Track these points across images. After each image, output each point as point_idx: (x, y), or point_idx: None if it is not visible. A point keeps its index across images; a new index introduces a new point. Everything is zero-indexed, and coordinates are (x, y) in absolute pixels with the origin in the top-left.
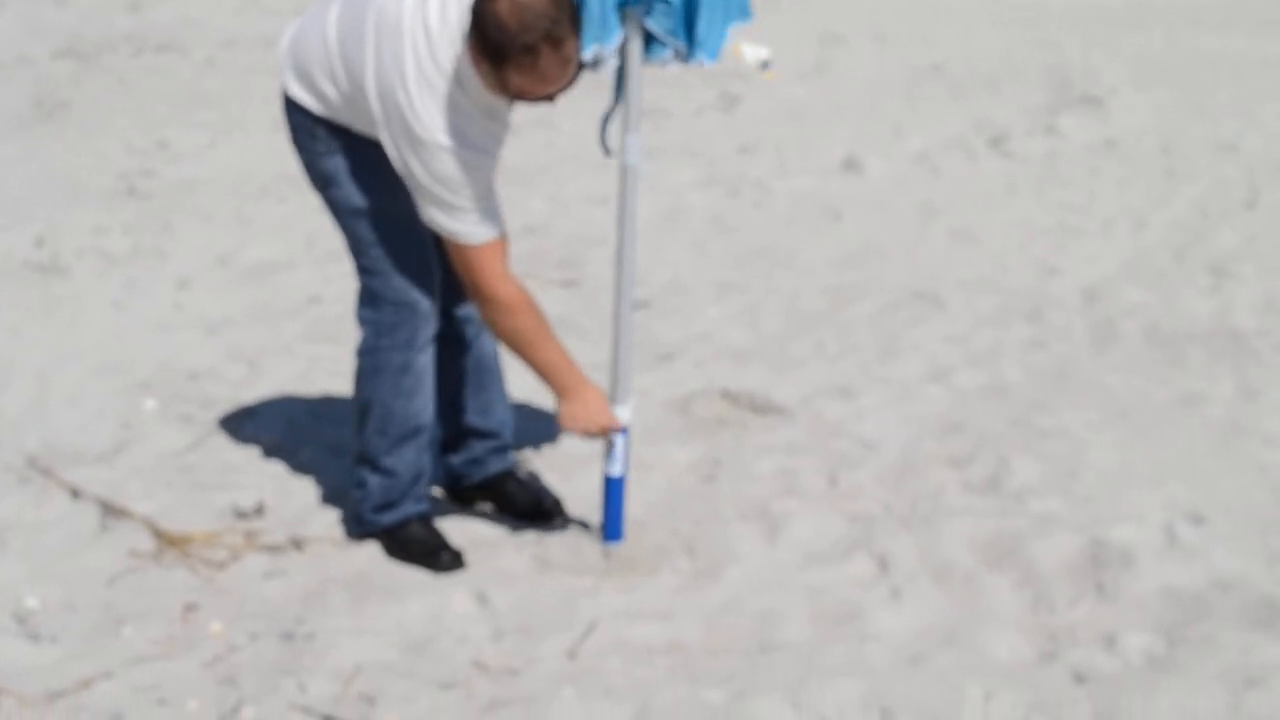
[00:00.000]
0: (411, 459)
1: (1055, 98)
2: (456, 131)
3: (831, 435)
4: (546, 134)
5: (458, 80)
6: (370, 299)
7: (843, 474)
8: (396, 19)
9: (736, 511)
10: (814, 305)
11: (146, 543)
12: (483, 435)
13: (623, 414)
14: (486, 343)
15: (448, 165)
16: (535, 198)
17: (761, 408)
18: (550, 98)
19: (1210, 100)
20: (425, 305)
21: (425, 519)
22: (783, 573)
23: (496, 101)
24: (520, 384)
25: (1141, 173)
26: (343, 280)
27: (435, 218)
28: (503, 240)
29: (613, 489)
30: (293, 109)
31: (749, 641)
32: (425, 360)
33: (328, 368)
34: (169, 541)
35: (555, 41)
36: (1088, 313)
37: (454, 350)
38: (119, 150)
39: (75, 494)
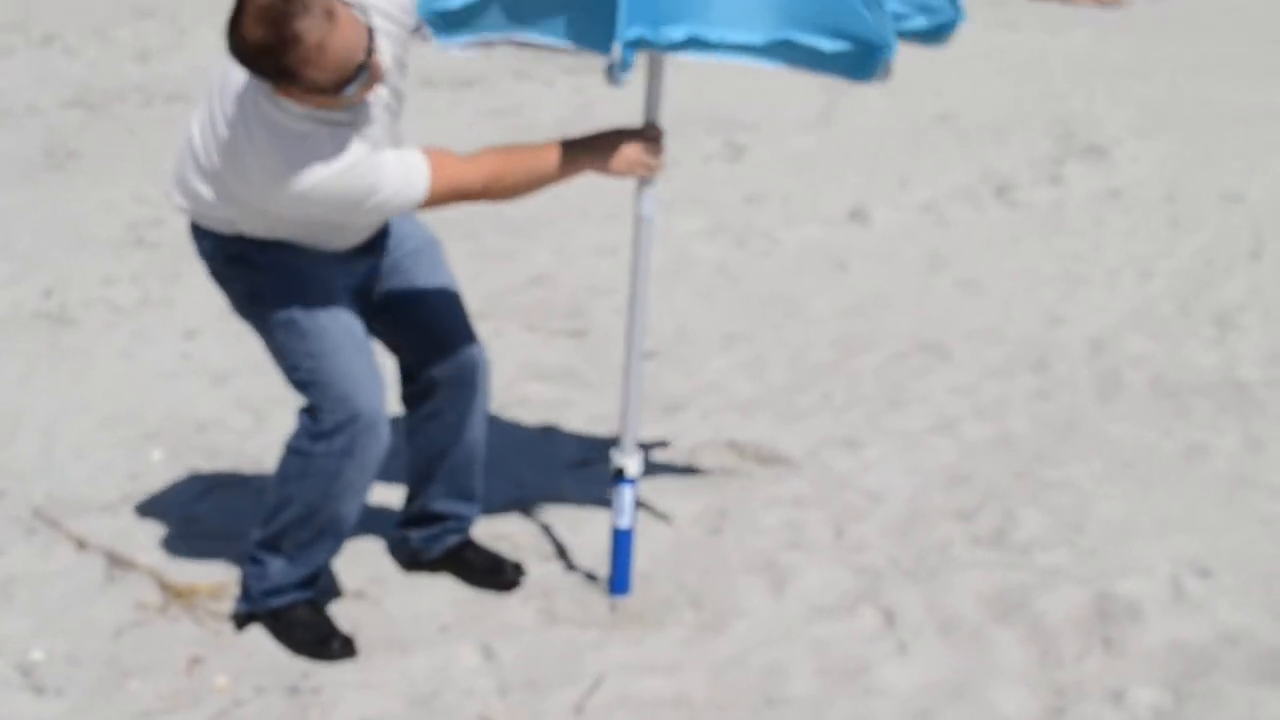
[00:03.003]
0: (322, 556)
1: (1061, 147)
2: (313, 164)
3: (838, 487)
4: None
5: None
6: (309, 410)
7: (849, 526)
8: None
9: (743, 564)
10: (821, 356)
11: (153, 594)
12: (448, 519)
13: (630, 466)
14: (474, 431)
15: (334, 194)
16: (542, 249)
17: (768, 459)
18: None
19: (1215, 150)
20: (368, 415)
21: (313, 604)
22: (789, 626)
23: (335, 114)
24: (527, 430)
25: (1146, 222)
26: None
27: (389, 206)
28: (433, 153)
29: (620, 541)
30: (199, 236)
31: (755, 695)
32: (358, 469)
33: None
34: (175, 593)
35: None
36: (1093, 363)
37: (438, 435)
38: (128, 200)
39: (81, 545)
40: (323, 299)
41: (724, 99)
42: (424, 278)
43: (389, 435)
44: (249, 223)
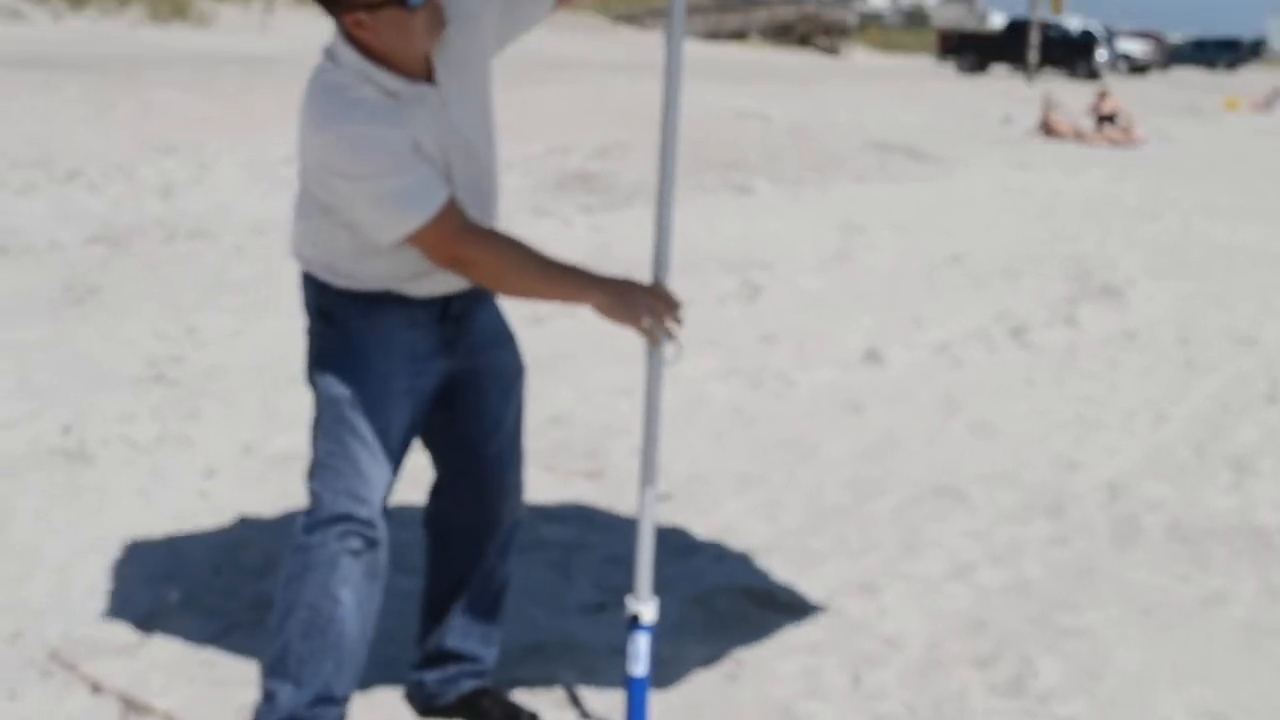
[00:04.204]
0: (328, 675)
1: (1075, 288)
2: (346, 113)
3: (854, 633)
4: (570, 322)
5: (355, 80)
6: (310, 500)
7: (866, 673)
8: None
9: (759, 712)
10: (835, 499)
11: None
12: (464, 659)
13: (645, 612)
14: (494, 569)
15: (352, 150)
16: (560, 387)
17: (783, 605)
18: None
19: (1228, 291)
20: (364, 518)
21: None
22: None
23: (392, 80)
24: (542, 572)
25: (1161, 364)
26: None
27: (387, 204)
28: (444, 211)
29: (635, 689)
30: (304, 284)
31: None
32: (359, 568)
33: None
34: None
35: None
36: (1109, 508)
37: (457, 568)
38: (148, 336)
39: (97, 688)
40: (379, 395)
41: (739, 238)
42: (492, 405)
43: (385, 553)
44: (316, 241)
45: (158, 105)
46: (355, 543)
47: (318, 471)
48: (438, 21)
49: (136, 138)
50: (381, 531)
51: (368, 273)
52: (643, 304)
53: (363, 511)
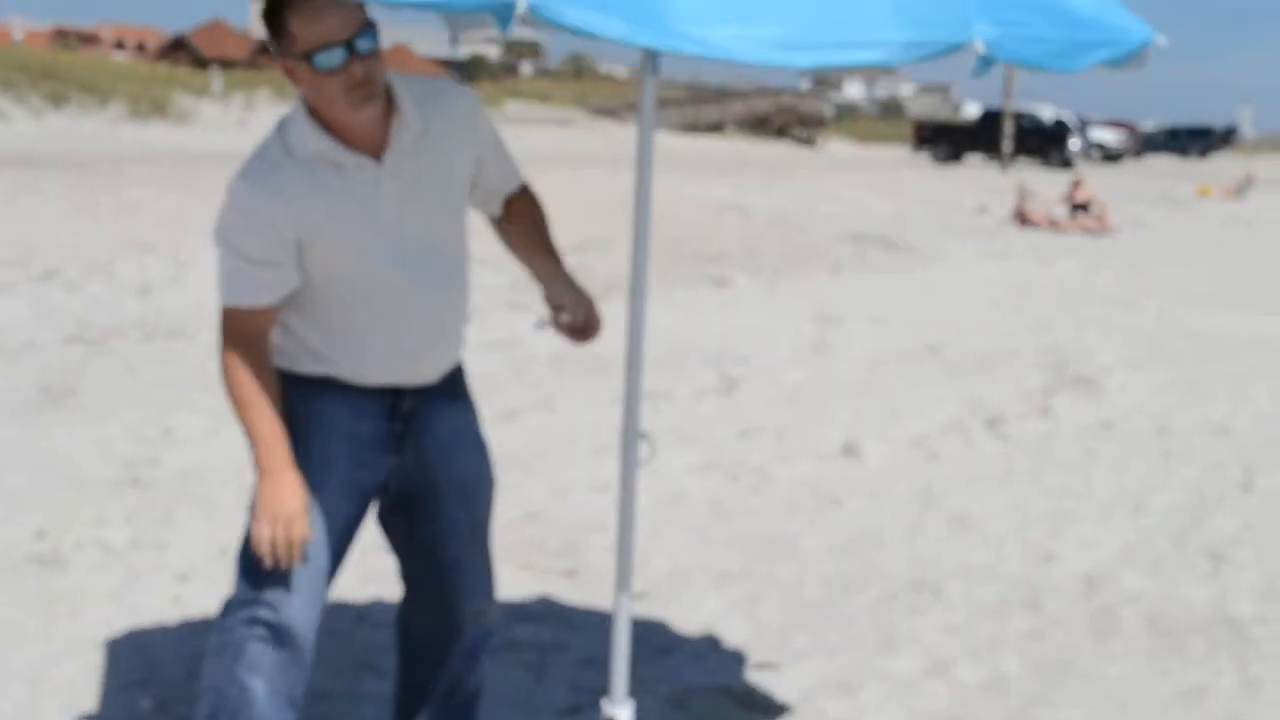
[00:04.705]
0: None
1: (1050, 378)
2: (247, 167)
3: None
4: (546, 418)
5: (279, 138)
6: (234, 581)
7: None
8: None
9: None
10: (814, 595)
11: None
12: None
13: (620, 716)
14: (468, 679)
15: (231, 203)
16: (535, 484)
17: (761, 705)
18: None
19: (1203, 379)
20: (273, 598)
21: None
22: None
23: (321, 141)
24: (517, 675)
25: (1137, 455)
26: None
27: (220, 271)
28: (245, 312)
29: None
30: None
31: None
32: (271, 656)
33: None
34: None
35: None
36: (1087, 601)
37: (426, 675)
38: (123, 438)
39: None
40: (313, 481)
41: (717, 331)
42: (448, 512)
43: (307, 655)
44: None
45: (138, 203)
46: (260, 630)
47: (241, 553)
48: (365, 94)
49: (116, 235)
50: (295, 615)
51: (290, 347)
52: (275, 522)
53: (273, 597)
